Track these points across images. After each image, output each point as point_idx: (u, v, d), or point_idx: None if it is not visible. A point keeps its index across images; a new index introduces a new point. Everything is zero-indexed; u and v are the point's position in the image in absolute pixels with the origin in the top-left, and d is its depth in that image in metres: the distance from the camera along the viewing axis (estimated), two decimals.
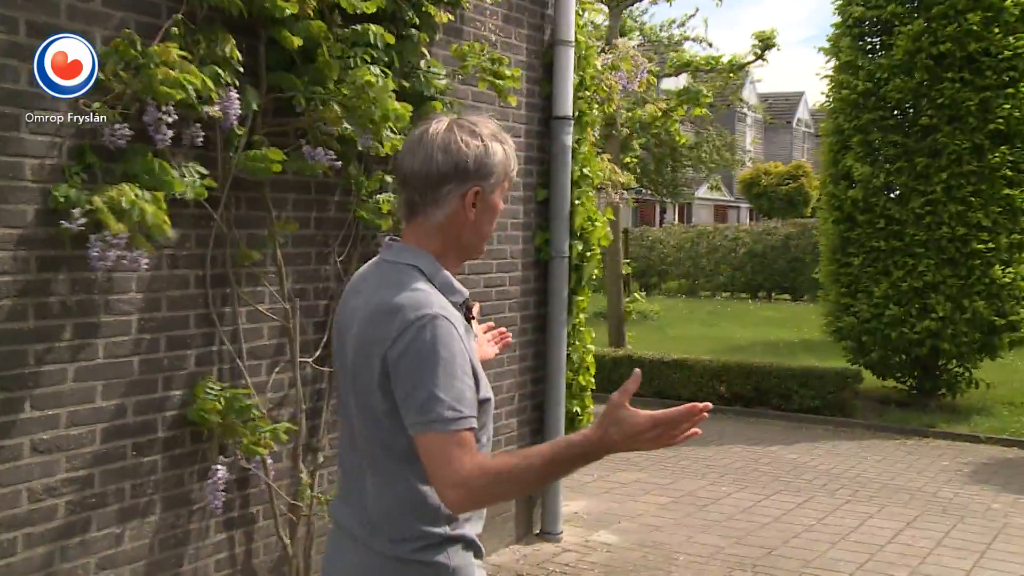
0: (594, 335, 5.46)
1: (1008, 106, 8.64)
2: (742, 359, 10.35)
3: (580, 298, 5.24)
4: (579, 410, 5.26)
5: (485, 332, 2.22)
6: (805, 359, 11.11)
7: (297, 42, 3.31)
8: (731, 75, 11.17)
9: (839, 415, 9.10)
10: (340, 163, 3.58)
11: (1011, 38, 8.65)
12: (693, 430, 1.59)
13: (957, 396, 9.62)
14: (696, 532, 5.56)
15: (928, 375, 9.56)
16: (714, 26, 56.65)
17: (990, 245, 8.77)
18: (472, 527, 1.79)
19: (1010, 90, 8.66)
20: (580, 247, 5.17)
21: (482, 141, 1.76)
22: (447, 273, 1.78)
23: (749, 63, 10.89)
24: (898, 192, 9.13)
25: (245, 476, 3.52)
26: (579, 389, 5.28)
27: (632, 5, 11.52)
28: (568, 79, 5.06)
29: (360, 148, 3.61)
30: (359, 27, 3.60)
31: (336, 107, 3.44)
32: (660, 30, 16.01)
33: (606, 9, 10.64)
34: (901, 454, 7.90)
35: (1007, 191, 8.80)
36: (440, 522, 1.72)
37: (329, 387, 3.91)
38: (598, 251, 5.30)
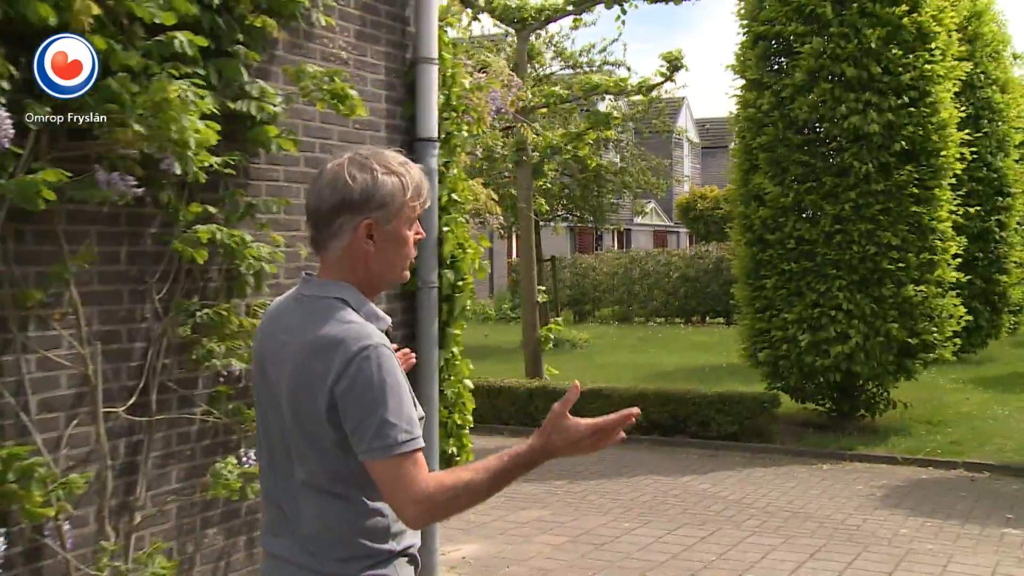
0: (472, 368, 5.11)
1: (911, 126, 8.59)
2: (662, 386, 10.10)
3: (454, 331, 4.91)
4: (456, 450, 4.90)
5: None
6: (729, 384, 10.90)
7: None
8: (643, 96, 11.01)
9: (757, 441, 8.87)
10: (142, 189, 3.21)
11: (911, 56, 8.61)
12: (620, 434, 1.78)
13: (876, 417, 9.47)
14: (588, 574, 5.22)
15: (846, 397, 9.40)
16: (653, 53, 57.34)
17: (900, 264, 8.66)
18: (411, 540, 1.89)
19: (912, 109, 8.60)
20: (451, 276, 4.85)
21: (371, 174, 1.81)
22: (371, 304, 1.87)
23: (658, 84, 10.76)
24: (808, 212, 8.99)
25: (36, 547, 3.10)
26: (455, 427, 4.92)
27: (541, 28, 11.34)
28: (432, 99, 4.76)
29: (168, 172, 3.25)
30: (162, 36, 3.25)
31: (134, 126, 3.09)
32: (580, 55, 15.92)
33: (512, 30, 10.44)
34: (816, 479, 7.68)
35: (915, 208, 8.73)
36: (386, 539, 1.83)
37: (149, 438, 3.51)
38: (471, 280, 4.97)
